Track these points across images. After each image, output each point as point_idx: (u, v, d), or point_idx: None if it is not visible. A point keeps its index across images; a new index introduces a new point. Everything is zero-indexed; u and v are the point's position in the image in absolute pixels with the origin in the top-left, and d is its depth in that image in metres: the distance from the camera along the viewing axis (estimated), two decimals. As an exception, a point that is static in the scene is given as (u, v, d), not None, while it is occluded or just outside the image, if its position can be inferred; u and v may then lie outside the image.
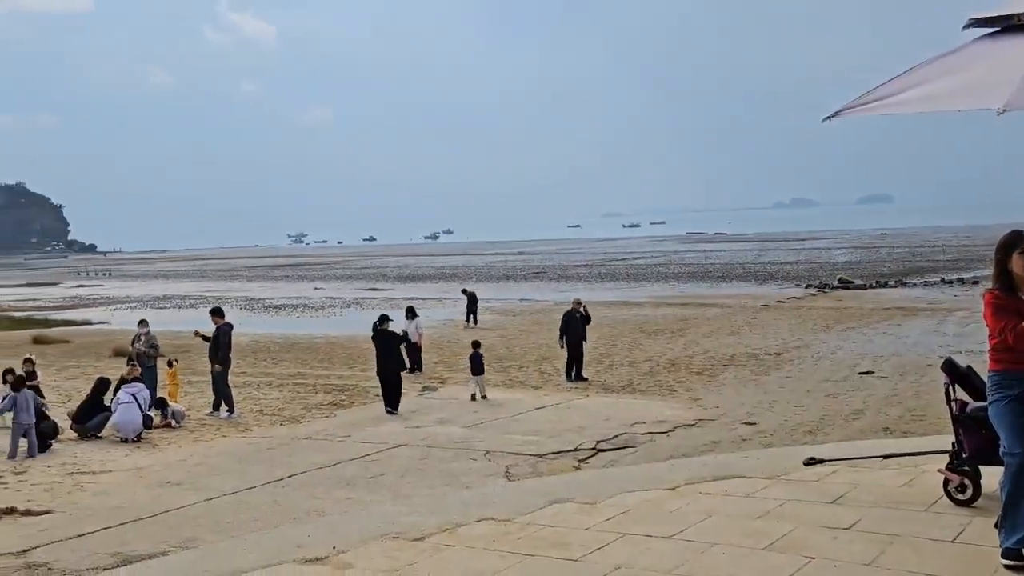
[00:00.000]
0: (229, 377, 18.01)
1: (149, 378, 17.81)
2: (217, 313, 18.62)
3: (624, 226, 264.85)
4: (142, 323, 19.45)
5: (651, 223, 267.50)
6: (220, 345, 17.90)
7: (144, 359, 18.24)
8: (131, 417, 15.44)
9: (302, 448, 14.51)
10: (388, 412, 17.43)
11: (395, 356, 18.22)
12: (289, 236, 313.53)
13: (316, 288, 66.41)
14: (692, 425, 16.09)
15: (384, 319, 18.83)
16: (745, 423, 16.06)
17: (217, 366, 17.69)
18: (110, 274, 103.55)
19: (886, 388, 19.12)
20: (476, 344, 19.93)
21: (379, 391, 18.12)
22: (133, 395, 15.64)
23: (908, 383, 19.51)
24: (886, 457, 7.96)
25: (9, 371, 17.78)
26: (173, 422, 16.55)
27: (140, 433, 15.45)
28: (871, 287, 48.41)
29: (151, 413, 16.16)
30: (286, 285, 72.51)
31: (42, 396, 16.07)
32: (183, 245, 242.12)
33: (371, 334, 18.75)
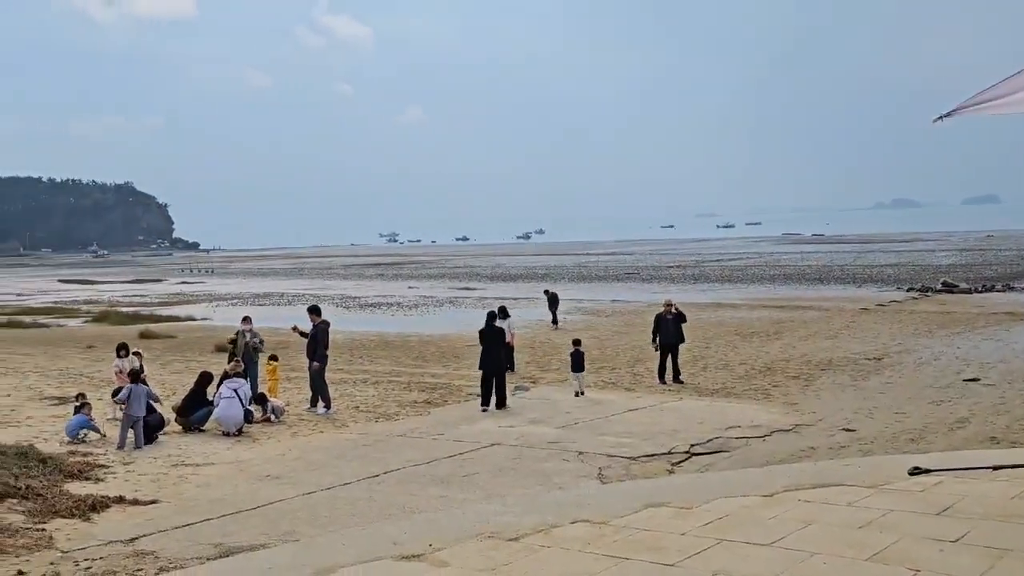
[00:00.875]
0: (326, 374, 18.36)
1: (253, 373, 18.34)
2: (314, 311, 19.02)
3: (718, 227, 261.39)
4: (246, 319, 19.97)
5: (746, 224, 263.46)
6: (317, 342, 18.27)
7: (252, 354, 18.79)
8: (233, 411, 15.85)
9: (397, 445, 14.70)
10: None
11: (501, 352, 18.61)
12: (381, 235, 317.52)
13: (410, 287, 67.24)
14: (789, 430, 15.79)
15: (494, 316, 19.34)
16: (844, 429, 15.69)
17: (315, 363, 18.06)
18: (212, 271, 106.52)
19: (993, 396, 18.46)
20: (576, 342, 20.15)
21: (473, 389, 18.26)
22: (235, 390, 16.05)
23: (1016, 391, 18.81)
24: (995, 468, 7.70)
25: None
26: (272, 417, 16.93)
27: (241, 427, 15.85)
28: (977, 291, 46.85)
29: (252, 408, 16.57)
30: (380, 283, 73.57)
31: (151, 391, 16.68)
32: (280, 243, 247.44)
33: (481, 329, 18.85)
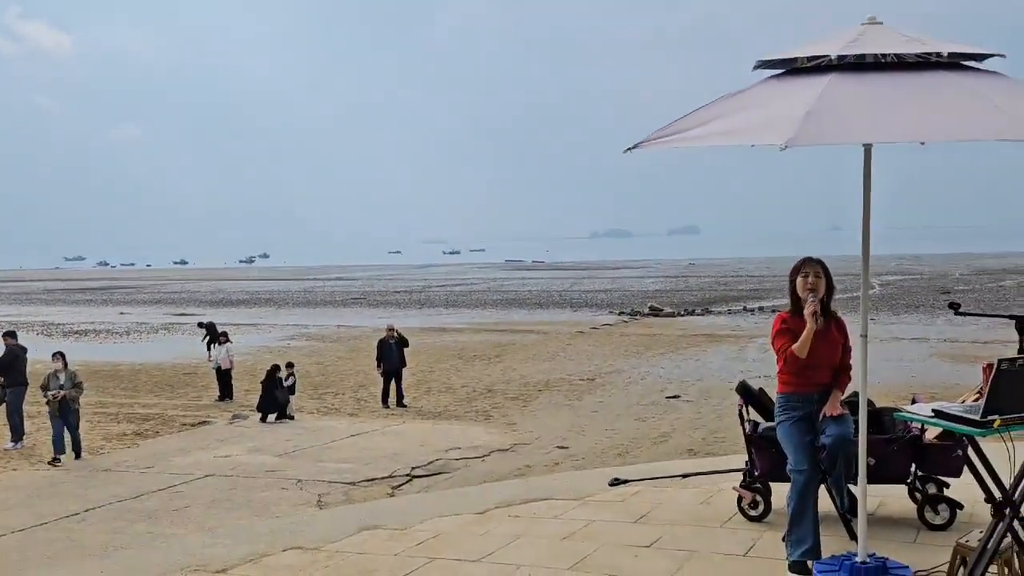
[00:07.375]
0: (23, 405, 17.00)
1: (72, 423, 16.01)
2: (10, 335, 17.69)
3: (444, 253, 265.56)
4: (57, 355, 16.76)
5: (471, 250, 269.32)
6: (10, 368, 16.95)
7: (69, 403, 16.09)
8: (-93, 451, 14.27)
9: (101, 480, 13.82)
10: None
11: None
12: (67, 259, 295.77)
13: (121, 313, 63.42)
14: (507, 450, 16.28)
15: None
16: (558, 447, 16.39)
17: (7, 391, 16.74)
18: None
19: (691, 411, 19.93)
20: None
21: (186, 419, 17.70)
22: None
23: (711, 406, 20.41)
24: (685, 476, 8.29)
25: None
26: (-44, 456, 15.39)
27: (-83, 468, 14.29)
28: (679, 315, 50.36)
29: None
30: (89, 309, 68.82)
31: None
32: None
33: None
